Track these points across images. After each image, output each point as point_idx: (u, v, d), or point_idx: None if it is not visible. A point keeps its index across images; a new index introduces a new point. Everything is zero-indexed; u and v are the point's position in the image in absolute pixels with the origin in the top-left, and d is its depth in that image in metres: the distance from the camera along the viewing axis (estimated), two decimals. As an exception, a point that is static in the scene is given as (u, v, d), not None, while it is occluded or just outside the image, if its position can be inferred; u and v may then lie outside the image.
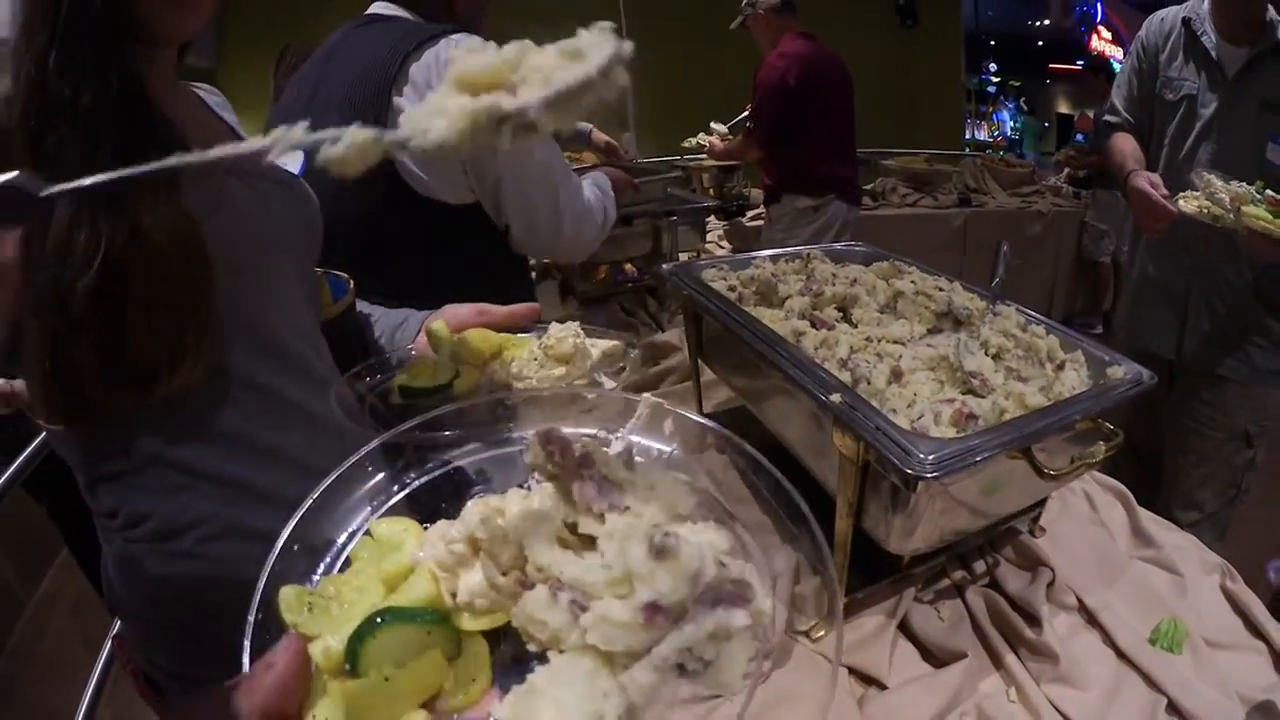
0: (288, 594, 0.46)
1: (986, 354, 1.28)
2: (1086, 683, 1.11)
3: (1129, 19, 11.33)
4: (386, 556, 0.50)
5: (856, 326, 1.40)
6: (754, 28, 3.85)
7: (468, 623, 0.48)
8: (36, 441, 2.06)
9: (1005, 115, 12.15)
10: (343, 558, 0.51)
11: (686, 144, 4.45)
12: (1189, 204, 1.96)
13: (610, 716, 0.40)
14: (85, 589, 2.63)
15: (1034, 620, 1.18)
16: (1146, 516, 1.52)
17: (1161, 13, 2.40)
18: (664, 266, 1.59)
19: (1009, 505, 1.25)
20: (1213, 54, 2.21)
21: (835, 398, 1.02)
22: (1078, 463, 1.07)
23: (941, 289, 1.46)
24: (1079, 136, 6.80)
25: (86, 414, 0.91)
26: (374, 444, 0.55)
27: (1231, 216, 1.86)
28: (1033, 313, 1.39)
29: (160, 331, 0.87)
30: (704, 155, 4.34)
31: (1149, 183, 2.09)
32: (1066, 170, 6.23)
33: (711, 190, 4.31)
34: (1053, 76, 13.96)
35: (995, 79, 13.39)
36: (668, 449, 0.58)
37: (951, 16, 9.77)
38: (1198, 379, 2.37)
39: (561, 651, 0.43)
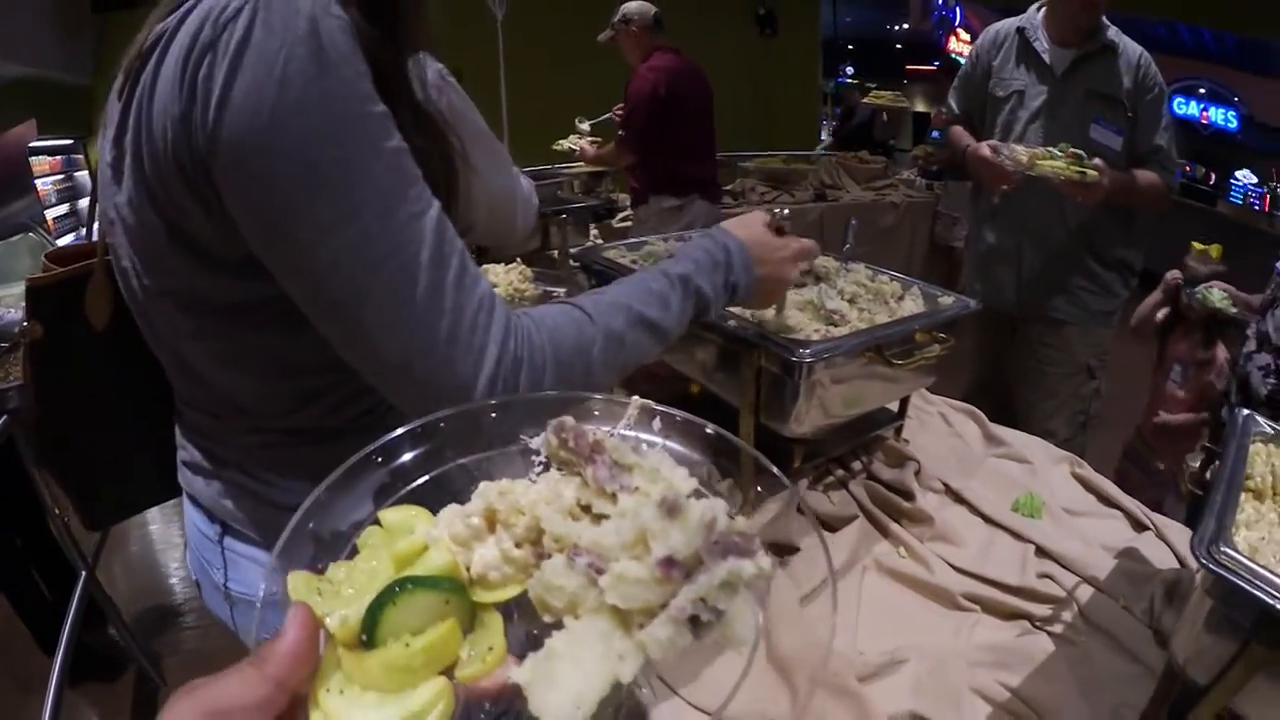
0: (296, 580, 0.47)
1: (843, 299, 1.65)
2: (962, 540, 1.45)
3: (987, 21, 12.00)
4: (398, 539, 0.50)
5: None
6: (624, 43, 4.31)
7: (482, 595, 0.49)
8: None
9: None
10: (349, 546, 0.51)
11: (558, 146, 4.84)
12: (1010, 163, 2.38)
13: (627, 675, 0.42)
14: (12, 624, 2.68)
15: (908, 496, 1.54)
16: (996, 426, 1.90)
17: (996, 25, 2.89)
18: (573, 250, 1.92)
19: (873, 400, 1.62)
20: (1044, 57, 2.67)
21: (733, 323, 1.40)
22: (918, 356, 1.47)
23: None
24: (934, 134, 7.52)
25: None
26: (377, 444, 0.56)
27: (1029, 167, 2.32)
28: (878, 268, 1.79)
29: None
30: (576, 160, 4.74)
31: (989, 149, 2.48)
32: (920, 163, 6.81)
33: (582, 194, 4.67)
34: (910, 78, 14.66)
35: (852, 81, 14.12)
36: (659, 441, 0.60)
37: (810, 25, 10.42)
38: (1039, 325, 2.84)
39: (578, 618, 0.45)
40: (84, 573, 2.56)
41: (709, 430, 0.63)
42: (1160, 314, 3.02)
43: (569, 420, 0.53)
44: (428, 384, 0.79)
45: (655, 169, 4.35)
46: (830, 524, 1.49)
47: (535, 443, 0.55)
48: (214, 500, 1.04)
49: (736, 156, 6.50)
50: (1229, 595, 0.83)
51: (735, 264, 1.10)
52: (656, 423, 0.62)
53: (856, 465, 1.68)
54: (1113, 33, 2.60)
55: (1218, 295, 2.68)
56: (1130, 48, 2.60)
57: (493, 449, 0.61)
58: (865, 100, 8.84)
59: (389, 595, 0.45)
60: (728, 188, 5.72)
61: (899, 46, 15.20)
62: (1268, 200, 8.92)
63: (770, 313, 1.44)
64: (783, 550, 1.38)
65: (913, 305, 1.62)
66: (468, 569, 0.49)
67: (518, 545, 0.49)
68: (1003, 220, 2.87)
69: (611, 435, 0.53)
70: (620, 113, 4.45)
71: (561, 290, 1.75)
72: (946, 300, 1.63)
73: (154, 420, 1.11)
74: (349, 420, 0.96)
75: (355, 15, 0.75)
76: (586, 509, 0.51)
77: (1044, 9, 2.73)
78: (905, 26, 15.10)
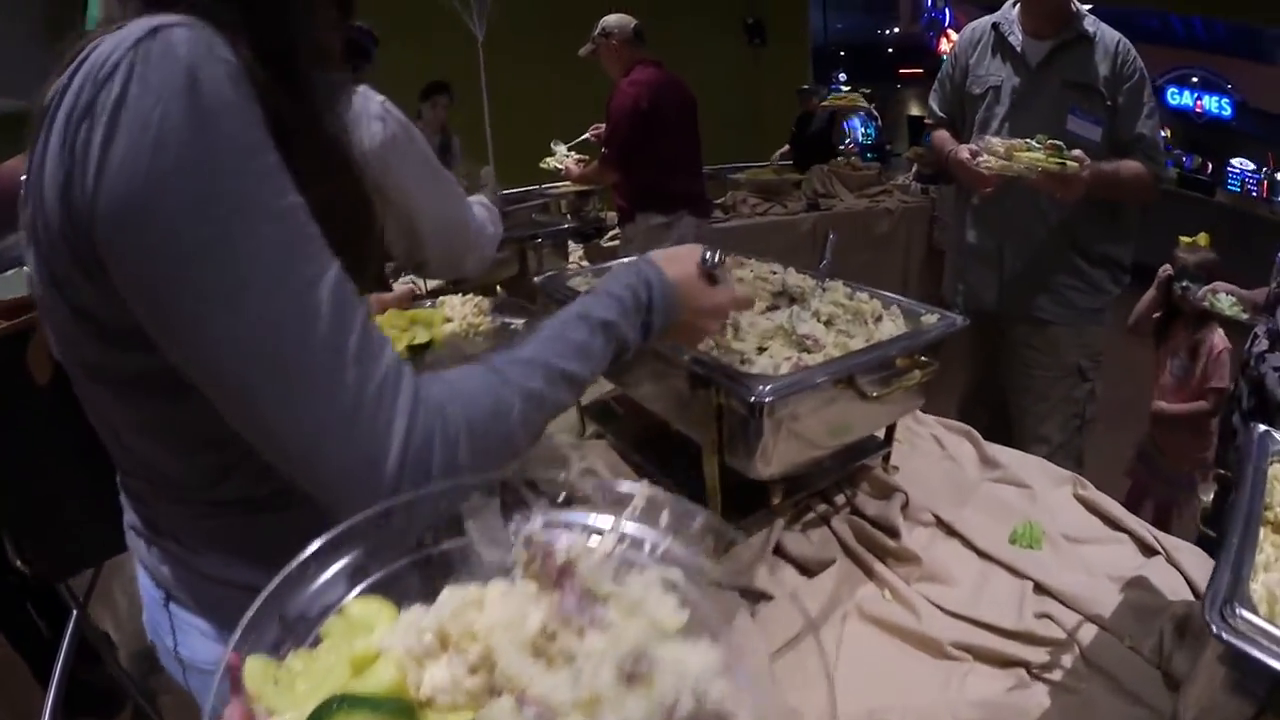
0: (254, 665, 0.46)
1: (819, 321, 1.55)
2: (953, 578, 1.33)
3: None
4: (357, 637, 0.48)
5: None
6: (604, 56, 4.22)
7: (430, 719, 0.46)
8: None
9: (856, 123, 12.83)
10: (314, 635, 0.50)
11: (544, 165, 4.74)
12: (987, 164, 2.31)
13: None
14: (13, 660, 2.65)
15: (894, 533, 1.42)
16: (993, 447, 1.79)
17: (973, 23, 2.82)
18: (536, 279, 1.83)
19: (853, 433, 1.51)
20: (1018, 49, 2.60)
21: (687, 358, 1.29)
22: (896, 385, 1.36)
23: (775, 272, 1.76)
24: (926, 137, 7.36)
25: None
26: (364, 515, 0.53)
27: (1009, 163, 2.24)
28: (858, 285, 1.68)
29: None
30: (562, 180, 4.66)
31: (968, 152, 2.42)
32: (915, 167, 6.72)
33: (569, 215, 4.59)
34: (902, 81, 14.67)
35: (845, 88, 14.08)
36: (662, 542, 0.54)
37: (799, 32, 10.43)
38: (1025, 326, 2.73)
39: None
40: (75, 611, 2.50)
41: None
42: (1156, 311, 3.07)
43: (538, 533, 0.49)
44: (331, 465, 0.71)
45: (640, 186, 4.25)
46: (809, 568, 1.39)
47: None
48: (155, 566, 0.99)
49: (726, 168, 6.42)
50: (1242, 662, 0.73)
51: (656, 305, 1.00)
52: (665, 516, 0.56)
53: (840, 499, 1.57)
54: (1089, 21, 2.53)
55: (1227, 303, 2.65)
56: (1107, 35, 2.53)
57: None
58: (823, 104, 8.26)
59: (326, 712, 0.42)
60: (718, 201, 5.65)
61: (890, 50, 15.18)
62: (1265, 186, 8.93)
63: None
64: (756, 597, 1.28)
65: (892, 326, 1.51)
66: (418, 688, 0.45)
67: (472, 671, 0.45)
68: (982, 219, 2.81)
69: (608, 532, 0.52)
70: (597, 133, 4.39)
71: (520, 321, 1.65)
72: (930, 319, 1.52)
73: (101, 476, 1.05)
74: (275, 491, 0.88)
75: (247, 56, 0.70)
76: (553, 635, 0.45)
77: (1018, 3, 2.67)
78: (896, 30, 15.08)
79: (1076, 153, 2.23)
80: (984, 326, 2.79)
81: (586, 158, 4.62)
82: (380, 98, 1.36)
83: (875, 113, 13.18)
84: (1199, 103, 9.28)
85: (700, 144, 4.41)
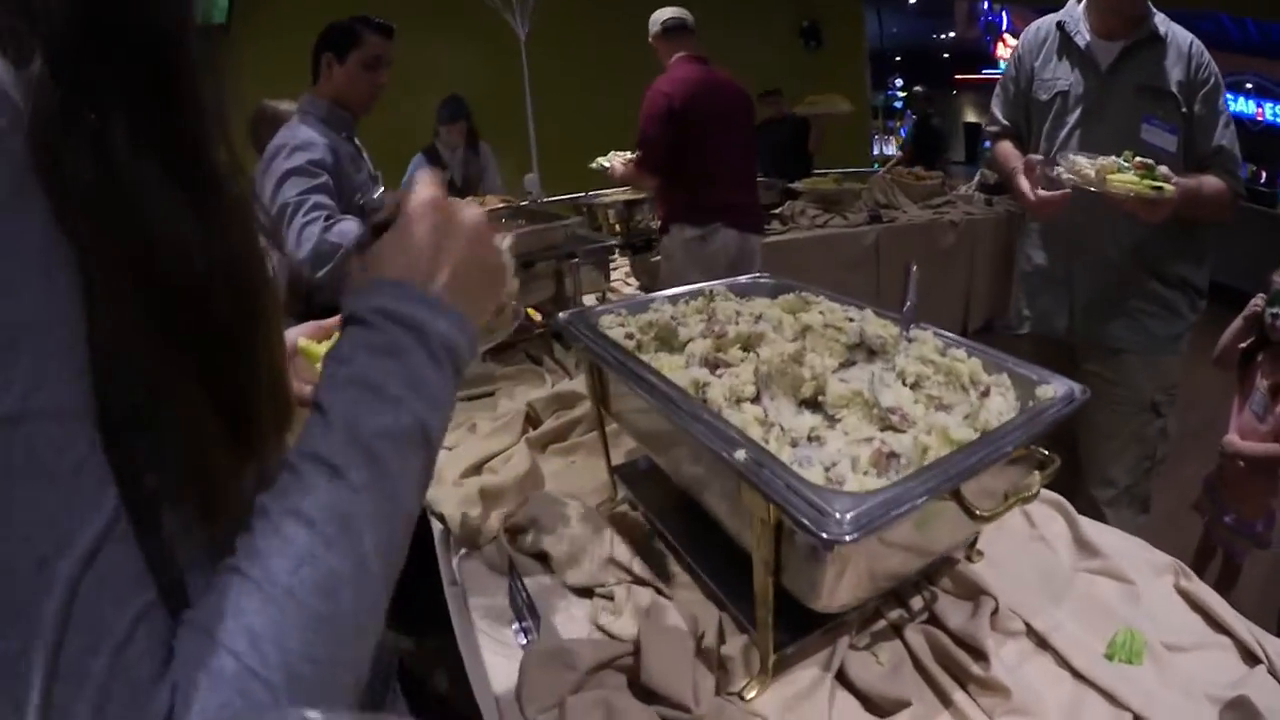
0: None
1: (904, 384, 1.23)
2: (1044, 710, 1.06)
3: (1036, 25, 11.76)
4: None
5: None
6: (657, 51, 3.83)
7: None
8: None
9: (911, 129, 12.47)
10: None
11: (594, 165, 4.37)
12: (1067, 176, 2.06)
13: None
14: None
15: (980, 655, 1.12)
16: (1088, 524, 1.49)
17: (1037, 22, 2.55)
18: (560, 316, 1.51)
19: (942, 544, 1.20)
20: (1086, 51, 2.34)
21: (740, 455, 0.94)
22: (1012, 498, 1.01)
23: (852, 319, 1.41)
24: (985, 143, 6.97)
25: None
26: None
27: (1099, 185, 1.99)
28: (951, 334, 1.35)
29: None
30: (609, 191, 4.35)
31: (1026, 177, 2.21)
32: (978, 177, 6.32)
33: (617, 226, 4.25)
34: (959, 87, 14.31)
35: (902, 94, 13.70)
36: None
37: (856, 36, 10.10)
38: (1097, 355, 2.46)
39: None
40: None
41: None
42: (1244, 341, 2.81)
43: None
44: None
45: (675, 194, 3.80)
46: (878, 706, 1.07)
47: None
48: None
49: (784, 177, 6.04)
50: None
51: (425, 325, 0.62)
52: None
53: (917, 602, 1.24)
54: (1160, 20, 2.28)
55: None
56: (1180, 35, 2.27)
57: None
58: (797, 110, 6.64)
59: None
60: (775, 211, 5.26)
61: (946, 55, 14.72)
62: None
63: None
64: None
65: (1002, 402, 1.14)
66: None
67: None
68: (1049, 239, 2.54)
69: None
70: None
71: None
72: (1048, 391, 1.15)
73: None
74: None
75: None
76: None
77: (1084, 0, 2.41)
78: (952, 35, 14.60)
79: (1163, 170, 1.98)
80: (1054, 353, 2.51)
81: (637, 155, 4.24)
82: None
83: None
84: (1260, 110, 8.93)
85: (753, 149, 3.98)
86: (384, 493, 0.55)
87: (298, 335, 0.98)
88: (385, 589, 0.55)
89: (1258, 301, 2.75)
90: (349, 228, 2.33)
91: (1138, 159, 1.99)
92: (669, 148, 3.62)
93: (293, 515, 0.52)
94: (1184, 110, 2.23)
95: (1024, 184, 2.20)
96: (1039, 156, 2.21)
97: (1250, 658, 1.17)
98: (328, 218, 2.35)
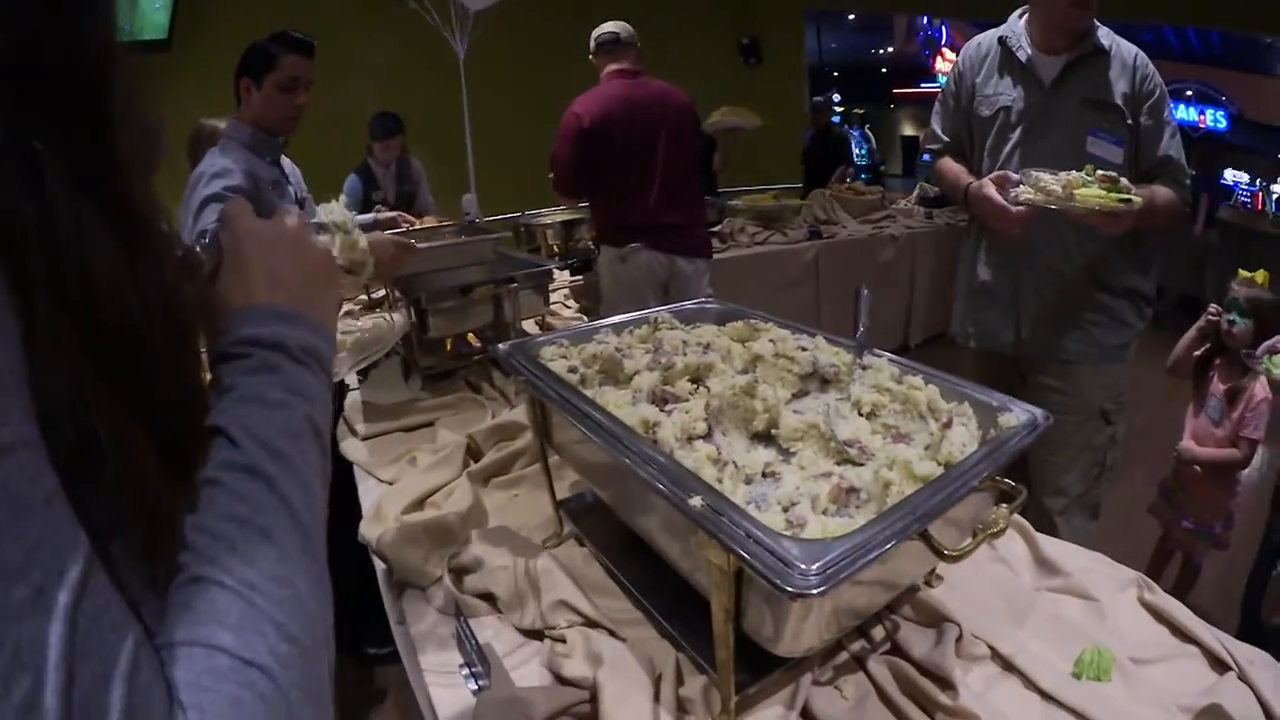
0: None
1: (860, 413, 1.20)
2: None
3: (975, 39, 11.98)
4: None
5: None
6: (596, 69, 3.71)
7: None
8: None
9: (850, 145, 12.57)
10: None
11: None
12: (1027, 196, 2.04)
13: None
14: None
15: (946, 683, 1.09)
16: (1047, 542, 1.48)
17: (978, 38, 2.53)
18: (500, 347, 1.44)
19: (908, 578, 1.17)
20: (1029, 66, 2.33)
21: (696, 502, 0.88)
22: (980, 534, 0.96)
23: (804, 348, 1.37)
24: (924, 156, 7.03)
25: None
26: None
27: (1066, 201, 1.97)
28: (905, 360, 1.32)
29: None
30: (547, 210, 4.30)
31: (995, 188, 2.16)
32: (916, 191, 6.37)
33: (556, 245, 4.20)
34: (897, 101, 14.52)
35: (839, 109, 13.86)
36: None
37: (795, 52, 10.17)
38: (1046, 367, 2.44)
39: None
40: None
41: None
42: (1198, 349, 2.93)
43: None
44: None
45: (598, 215, 3.71)
46: None
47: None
48: None
49: (724, 194, 6.03)
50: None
51: (282, 337, 0.68)
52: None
53: (879, 632, 1.20)
54: (1104, 33, 2.28)
55: None
56: (1124, 48, 2.27)
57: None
58: (705, 125, 5.72)
59: None
60: (715, 229, 5.22)
61: (884, 70, 14.95)
62: (1259, 199, 9.13)
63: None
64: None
65: (965, 433, 1.10)
66: None
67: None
68: (995, 255, 2.51)
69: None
70: None
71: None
72: (1010, 419, 1.12)
73: None
74: None
75: None
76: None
77: (1026, 14, 2.40)
78: (890, 50, 14.82)
79: (1124, 182, 1.98)
80: (1000, 369, 2.54)
81: None
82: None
83: (870, 134, 12.97)
84: (1202, 117, 9.23)
85: (688, 167, 3.74)
86: (295, 481, 0.60)
87: None
88: (321, 568, 0.59)
89: (1212, 311, 2.82)
90: None
91: (1099, 172, 1.99)
92: (581, 166, 3.52)
93: (228, 519, 0.55)
94: (1129, 122, 2.24)
95: (997, 198, 2.15)
96: (1014, 175, 2.17)
97: (1219, 665, 1.17)
98: None
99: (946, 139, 2.59)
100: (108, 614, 0.43)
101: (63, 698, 0.39)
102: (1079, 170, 2.01)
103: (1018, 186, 2.08)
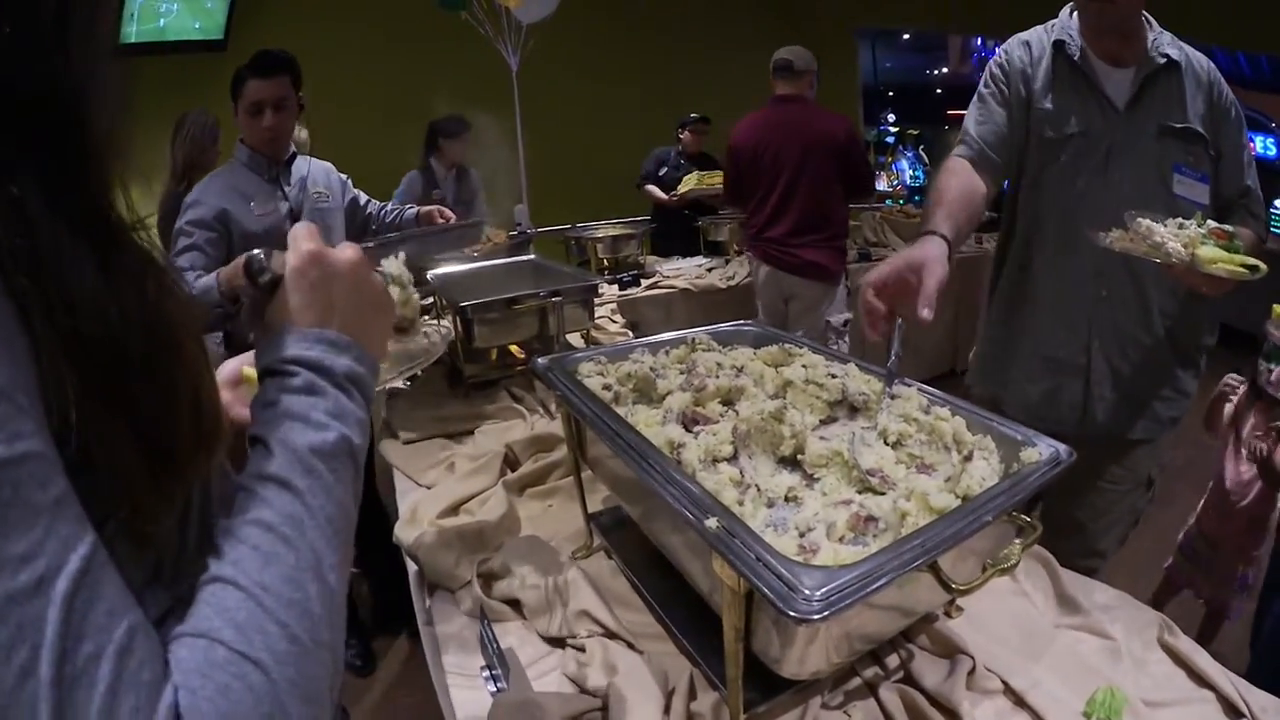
0: None
1: (886, 442, 1.21)
2: None
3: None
4: None
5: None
6: None
7: None
8: None
9: (904, 165, 12.41)
10: None
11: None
12: (1123, 244, 1.67)
13: None
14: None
15: (955, 716, 1.10)
16: (1071, 579, 1.45)
17: (1025, 35, 2.05)
18: (539, 361, 1.48)
19: (920, 607, 1.17)
20: (1098, 83, 1.90)
21: (712, 523, 0.91)
22: (991, 569, 0.98)
23: (835, 375, 1.39)
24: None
25: None
26: None
27: (1186, 259, 1.58)
28: (935, 391, 1.33)
29: None
30: (598, 224, 4.39)
31: (874, 288, 1.45)
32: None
33: (605, 260, 4.25)
34: (951, 123, 14.36)
35: (894, 129, 13.74)
36: None
37: (849, 72, 10.10)
38: (1106, 445, 2.09)
39: None
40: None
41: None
42: (1230, 405, 2.73)
43: None
44: None
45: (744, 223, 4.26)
46: None
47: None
48: None
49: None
50: None
51: (329, 363, 0.72)
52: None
53: (893, 660, 1.21)
54: (1168, 39, 1.88)
55: None
56: (1196, 60, 1.88)
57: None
58: (676, 193, 5.45)
59: None
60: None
61: (938, 91, 14.81)
62: None
63: None
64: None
65: (985, 467, 1.12)
66: None
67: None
68: (1059, 312, 2.02)
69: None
70: None
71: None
72: (1032, 453, 1.13)
73: None
74: None
75: None
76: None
77: (1075, 10, 1.96)
78: (945, 70, 14.68)
79: (1241, 236, 1.64)
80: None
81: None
82: None
83: (923, 154, 12.86)
84: (1251, 144, 8.99)
85: (805, 189, 3.91)
86: (325, 496, 0.64)
87: (240, 364, 1.04)
88: (340, 580, 0.63)
89: (1231, 383, 2.71)
90: (203, 284, 2.44)
91: (1212, 225, 1.62)
92: (731, 181, 4.14)
93: (253, 524, 0.60)
94: (1211, 152, 1.87)
95: (872, 297, 1.45)
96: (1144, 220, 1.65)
97: (1233, 711, 1.15)
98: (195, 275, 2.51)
99: (983, 146, 1.98)
100: (104, 601, 0.49)
101: (56, 668, 0.45)
102: (1163, 214, 1.67)
103: (1107, 235, 1.69)
